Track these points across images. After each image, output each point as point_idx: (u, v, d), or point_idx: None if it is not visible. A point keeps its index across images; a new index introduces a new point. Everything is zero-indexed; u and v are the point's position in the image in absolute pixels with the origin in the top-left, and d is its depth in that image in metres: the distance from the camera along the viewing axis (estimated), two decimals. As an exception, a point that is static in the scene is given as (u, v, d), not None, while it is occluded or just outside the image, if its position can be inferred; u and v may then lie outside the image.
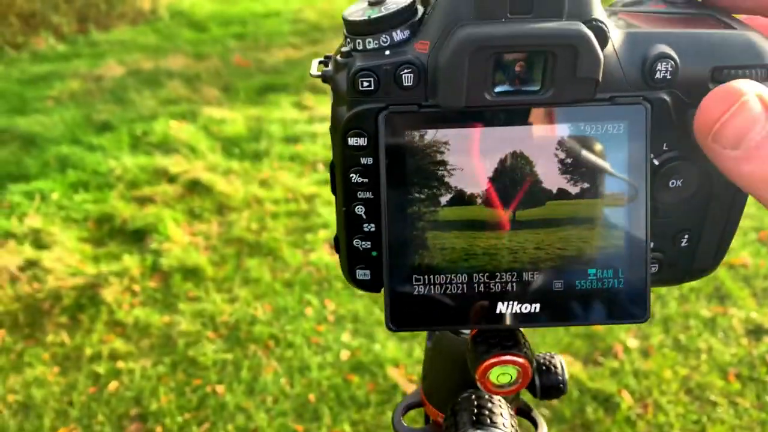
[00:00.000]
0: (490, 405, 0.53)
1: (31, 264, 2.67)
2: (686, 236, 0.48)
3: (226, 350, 2.27)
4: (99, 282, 2.58)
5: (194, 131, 3.83)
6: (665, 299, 2.41)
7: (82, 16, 6.32)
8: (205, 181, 3.24)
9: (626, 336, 2.25)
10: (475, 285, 0.45)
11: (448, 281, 0.45)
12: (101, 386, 2.14)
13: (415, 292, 0.45)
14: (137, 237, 2.89)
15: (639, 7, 0.50)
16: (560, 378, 0.57)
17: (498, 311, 0.45)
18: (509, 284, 0.45)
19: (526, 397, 0.63)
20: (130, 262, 2.71)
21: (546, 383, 0.57)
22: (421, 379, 0.66)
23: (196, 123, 3.96)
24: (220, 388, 2.12)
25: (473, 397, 0.53)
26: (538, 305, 0.44)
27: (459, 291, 0.45)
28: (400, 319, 0.45)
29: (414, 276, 0.45)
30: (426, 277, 0.44)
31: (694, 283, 2.48)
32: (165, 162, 3.45)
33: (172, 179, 3.32)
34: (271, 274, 2.63)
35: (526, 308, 0.45)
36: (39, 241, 2.81)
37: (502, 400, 0.53)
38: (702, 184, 0.46)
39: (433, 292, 0.45)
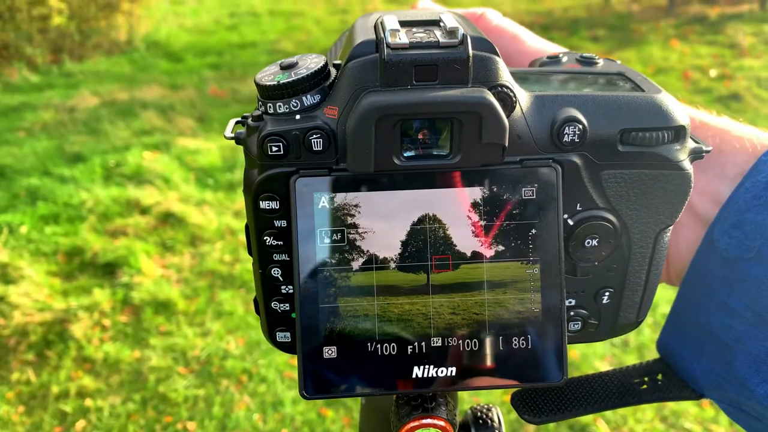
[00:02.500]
0: None
1: (-3, 300, 2.61)
2: (607, 293, 0.48)
3: (197, 386, 2.23)
4: (68, 317, 2.53)
5: (168, 162, 3.80)
6: (640, 327, 2.42)
7: (56, 47, 6.29)
8: (178, 212, 3.21)
9: (601, 364, 2.25)
10: (391, 351, 0.44)
11: (362, 348, 0.44)
12: (68, 425, 2.08)
13: (329, 359, 0.44)
14: (108, 270, 2.84)
15: (555, 67, 0.51)
16: (496, 431, 0.56)
17: (414, 375, 0.44)
18: (425, 349, 0.44)
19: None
20: (101, 296, 2.66)
21: None
22: None
23: (170, 153, 3.94)
24: (191, 425, 2.07)
25: None
26: (454, 369, 0.44)
27: (374, 358, 0.44)
28: (314, 386, 0.44)
29: (327, 342, 0.44)
30: (339, 343, 0.44)
31: (666, 310, 2.49)
32: (138, 193, 3.41)
33: (144, 211, 3.28)
34: (243, 307, 2.60)
35: (442, 372, 0.44)
36: (6, 276, 2.75)
37: None
38: (620, 242, 0.47)
39: (347, 359, 0.44)
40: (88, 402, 2.17)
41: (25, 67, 5.80)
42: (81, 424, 2.09)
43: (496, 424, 0.55)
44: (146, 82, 5.45)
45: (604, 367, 2.23)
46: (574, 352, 2.30)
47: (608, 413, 2.03)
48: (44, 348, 2.40)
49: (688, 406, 2.05)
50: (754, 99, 4.57)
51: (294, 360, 2.32)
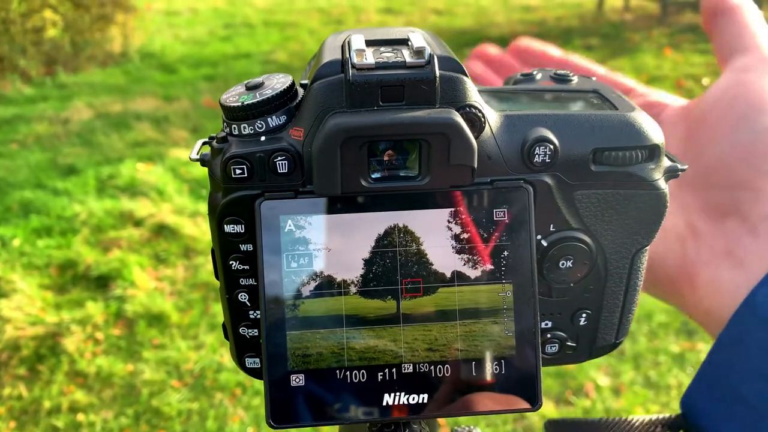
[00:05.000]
0: None
1: (-12, 314, 2.58)
2: (584, 315, 0.47)
3: (191, 399, 2.21)
4: (60, 331, 2.51)
5: (162, 173, 3.80)
6: (635, 336, 2.42)
7: (50, 59, 6.29)
8: (172, 224, 3.20)
9: (597, 374, 2.24)
10: (361, 378, 0.43)
11: (330, 376, 0.43)
12: (60, 441, 2.06)
13: (297, 387, 0.42)
14: (101, 283, 2.83)
15: (529, 85, 0.51)
16: None
17: (385, 403, 0.43)
18: (396, 376, 0.43)
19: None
20: (94, 309, 2.64)
21: None
22: None
23: (164, 165, 3.93)
24: (184, 440, 2.05)
25: None
26: (426, 396, 0.43)
27: (343, 385, 0.43)
28: (281, 415, 0.43)
29: (294, 370, 0.42)
30: (307, 371, 0.42)
31: (662, 318, 2.49)
32: (131, 205, 3.40)
33: (138, 223, 3.27)
34: (238, 319, 2.58)
35: (414, 399, 0.43)
36: (-2, 290, 2.73)
37: None
38: (595, 263, 0.46)
39: (315, 387, 0.43)
40: (81, 417, 2.15)
41: (18, 79, 5.79)
42: (73, 439, 2.07)
43: None
44: (140, 94, 5.45)
45: (599, 377, 2.23)
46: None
47: None
48: (36, 362, 2.38)
49: (685, 416, 2.04)
50: (746, 107, 4.59)
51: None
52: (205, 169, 0.47)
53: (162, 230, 3.19)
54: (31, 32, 6.24)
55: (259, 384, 2.24)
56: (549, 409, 2.09)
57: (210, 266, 2.89)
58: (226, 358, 2.38)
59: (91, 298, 2.72)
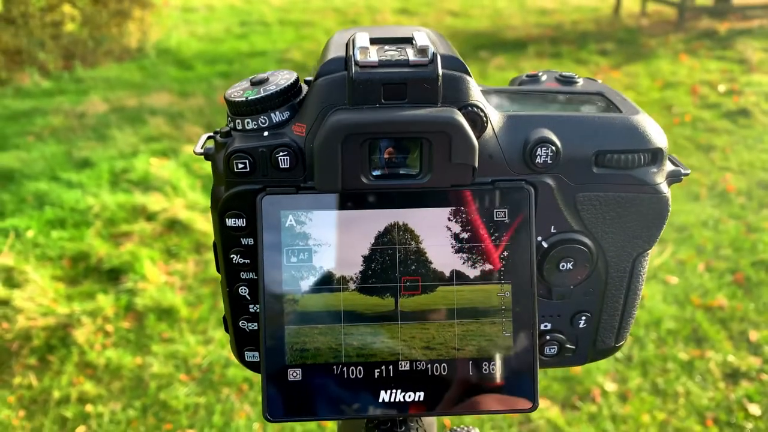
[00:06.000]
0: None
1: (0, 303, 2.61)
2: (584, 318, 0.47)
3: (198, 393, 2.22)
4: (71, 322, 2.53)
5: (175, 169, 3.82)
6: (644, 342, 2.40)
7: (68, 53, 6.34)
8: (184, 219, 3.22)
9: (604, 379, 2.23)
10: (357, 375, 0.43)
11: (327, 371, 0.43)
12: (68, 431, 2.08)
13: (294, 382, 0.43)
14: (113, 276, 2.85)
15: (534, 86, 0.51)
16: None
17: (381, 400, 0.43)
18: (393, 373, 0.43)
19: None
20: (104, 301, 2.66)
21: None
22: None
23: (178, 160, 3.95)
24: (190, 433, 2.07)
25: None
26: (422, 394, 0.43)
27: (340, 381, 0.43)
28: (278, 409, 0.43)
29: (292, 364, 0.43)
30: (304, 366, 0.43)
31: (671, 325, 2.48)
32: (144, 200, 3.43)
33: (150, 217, 3.29)
34: (247, 315, 2.59)
35: (410, 397, 0.43)
36: (11, 280, 2.76)
37: None
38: (595, 266, 0.46)
39: (312, 381, 0.43)
40: (89, 408, 2.17)
41: (36, 72, 5.85)
42: (81, 429, 2.08)
43: None
44: (156, 89, 5.49)
45: (606, 382, 2.22)
46: (577, 367, 2.28)
47: (610, 429, 2.02)
48: (47, 353, 2.40)
49: (692, 424, 2.03)
50: (762, 115, 4.55)
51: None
52: None
53: (174, 225, 3.21)
54: (49, 26, 6.30)
55: (266, 380, 2.25)
56: (555, 413, 2.08)
57: (220, 262, 2.91)
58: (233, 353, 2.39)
59: (102, 291, 2.74)
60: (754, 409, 2.08)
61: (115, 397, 2.22)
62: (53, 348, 2.42)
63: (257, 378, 2.24)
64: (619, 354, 2.35)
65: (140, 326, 2.55)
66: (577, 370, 2.26)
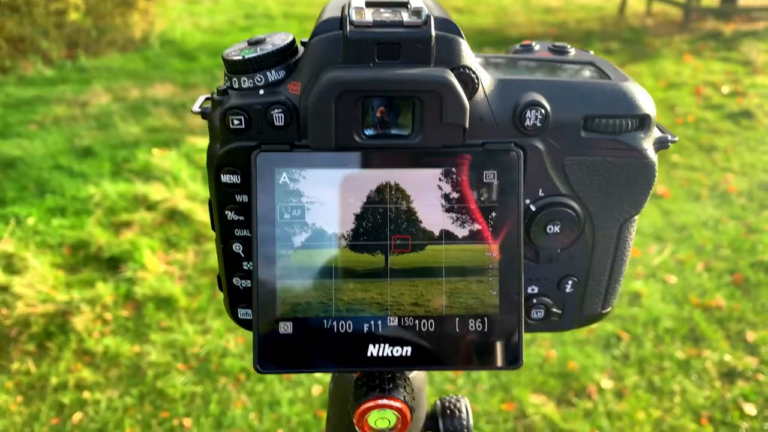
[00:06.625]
0: None
1: (0, 289, 2.62)
2: (570, 282, 0.48)
3: (195, 382, 2.23)
4: (70, 309, 2.54)
5: (176, 159, 3.82)
6: (641, 340, 2.41)
7: (71, 42, 6.34)
8: (184, 209, 3.22)
9: (601, 376, 2.24)
10: (347, 329, 0.44)
11: (317, 325, 0.44)
12: (65, 417, 2.09)
13: (285, 335, 0.44)
14: (112, 264, 2.86)
15: (527, 54, 0.51)
16: (464, 422, 0.55)
17: (369, 354, 0.44)
18: (381, 328, 0.44)
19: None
20: (103, 289, 2.67)
21: (449, 427, 0.56)
22: (326, 421, 0.64)
23: (179, 151, 3.96)
24: (187, 422, 2.07)
25: None
26: (409, 349, 0.44)
27: (329, 335, 0.44)
28: (267, 361, 0.44)
29: (283, 318, 0.44)
30: (295, 320, 0.44)
31: (668, 324, 2.48)
32: (145, 189, 3.43)
33: (151, 207, 3.30)
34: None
35: (397, 352, 0.44)
36: (11, 266, 2.77)
37: None
38: (582, 230, 0.46)
39: (302, 335, 0.44)
40: (86, 394, 2.18)
41: (40, 61, 5.85)
42: (78, 416, 2.09)
43: (464, 415, 0.55)
44: (159, 80, 5.49)
45: (603, 379, 2.22)
46: (573, 363, 2.29)
47: (605, 425, 2.02)
48: (45, 339, 2.41)
49: (687, 422, 2.04)
50: (765, 117, 4.54)
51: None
52: None
53: (174, 215, 3.22)
54: (53, 15, 6.30)
55: (263, 370, 2.26)
56: (550, 409, 2.09)
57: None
58: (231, 343, 2.40)
59: (101, 279, 2.75)
60: (750, 409, 2.08)
61: (113, 384, 2.23)
62: (52, 335, 2.43)
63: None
64: (616, 351, 2.36)
65: (139, 315, 2.56)
66: (574, 366, 2.27)
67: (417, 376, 0.55)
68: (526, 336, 2.42)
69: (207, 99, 0.48)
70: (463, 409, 0.56)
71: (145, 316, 2.55)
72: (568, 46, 0.52)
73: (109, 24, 6.66)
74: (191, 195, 3.41)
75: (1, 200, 3.35)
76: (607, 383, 2.21)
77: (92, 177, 3.60)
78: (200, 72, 5.78)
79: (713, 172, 3.82)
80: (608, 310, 0.50)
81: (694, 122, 4.54)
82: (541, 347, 2.38)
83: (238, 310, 0.48)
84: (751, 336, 2.41)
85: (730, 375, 2.24)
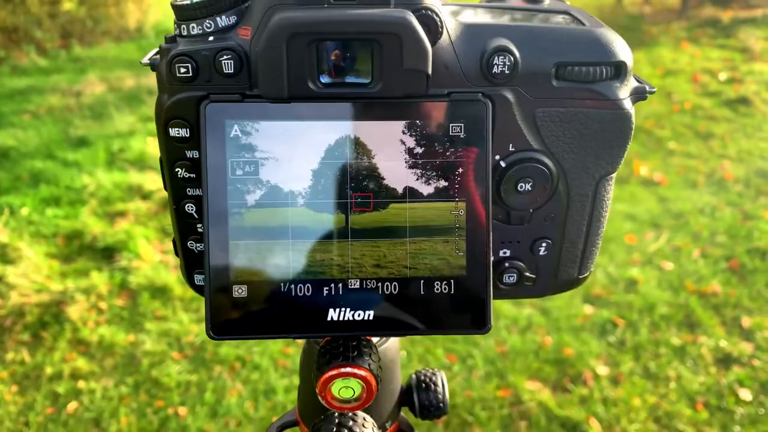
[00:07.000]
0: (351, 423, 0.49)
1: (-6, 279, 2.61)
2: (544, 244, 0.45)
3: (190, 371, 2.23)
4: (64, 299, 2.53)
5: (171, 149, 3.80)
6: (637, 326, 2.41)
7: (65, 32, 6.30)
8: (180, 198, 3.21)
9: (596, 363, 2.23)
10: (306, 292, 0.41)
11: (274, 288, 0.41)
12: (60, 407, 2.09)
13: (239, 299, 0.41)
14: (107, 254, 2.85)
15: (499, 3, 0.49)
16: (440, 396, 0.54)
17: (330, 318, 0.42)
18: (341, 291, 0.42)
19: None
20: (98, 279, 2.66)
21: (424, 401, 0.54)
22: (297, 397, 0.62)
23: (174, 140, 3.94)
24: (182, 410, 2.07)
25: (335, 415, 0.50)
26: (371, 313, 0.42)
27: (287, 298, 0.41)
28: (221, 327, 0.42)
29: (235, 282, 0.41)
30: (250, 282, 0.41)
31: (664, 311, 2.48)
32: (140, 179, 3.41)
33: (145, 196, 3.28)
34: (241, 294, 2.59)
35: (359, 316, 0.42)
36: (5, 256, 2.76)
37: (368, 419, 0.50)
38: (556, 188, 0.44)
39: (257, 299, 0.41)
40: (82, 384, 2.17)
41: (34, 50, 5.81)
42: (73, 405, 2.09)
43: (439, 389, 0.54)
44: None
45: (598, 366, 2.22)
46: (569, 350, 2.28)
47: (601, 412, 2.02)
48: (40, 329, 2.40)
49: (682, 408, 2.04)
50: (762, 103, 4.53)
51: (288, 348, 2.32)
52: None
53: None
54: (47, 4, 6.24)
55: (258, 359, 2.25)
56: (546, 395, 2.09)
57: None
58: (227, 332, 2.40)
59: (96, 269, 2.74)
60: (745, 394, 2.08)
61: (108, 373, 2.22)
62: (46, 324, 2.42)
63: (249, 357, 2.25)
64: (612, 338, 2.35)
65: (134, 304, 2.55)
66: (570, 353, 2.27)
67: (389, 347, 0.53)
68: (521, 321, 2.41)
69: (157, 52, 0.45)
70: (439, 383, 0.55)
71: (140, 305, 2.54)
72: None
73: (103, 13, 6.61)
74: (186, 184, 3.39)
75: (-6, 190, 3.34)
76: (602, 369, 2.21)
77: (87, 167, 3.58)
78: (195, 61, 5.74)
79: (710, 159, 3.81)
80: (585, 275, 0.48)
81: (691, 109, 4.52)
82: (536, 334, 2.37)
83: (195, 275, 0.46)
84: (746, 322, 2.41)
85: (725, 361, 2.24)
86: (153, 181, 3.38)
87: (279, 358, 2.26)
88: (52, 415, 2.05)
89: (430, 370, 0.56)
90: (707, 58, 5.47)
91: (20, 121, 4.27)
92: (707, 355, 2.26)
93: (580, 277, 0.48)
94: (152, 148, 3.79)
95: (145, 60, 0.44)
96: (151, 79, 5.12)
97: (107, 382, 2.18)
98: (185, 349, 2.33)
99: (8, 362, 2.26)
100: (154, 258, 2.81)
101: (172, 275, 2.69)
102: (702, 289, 2.62)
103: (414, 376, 0.56)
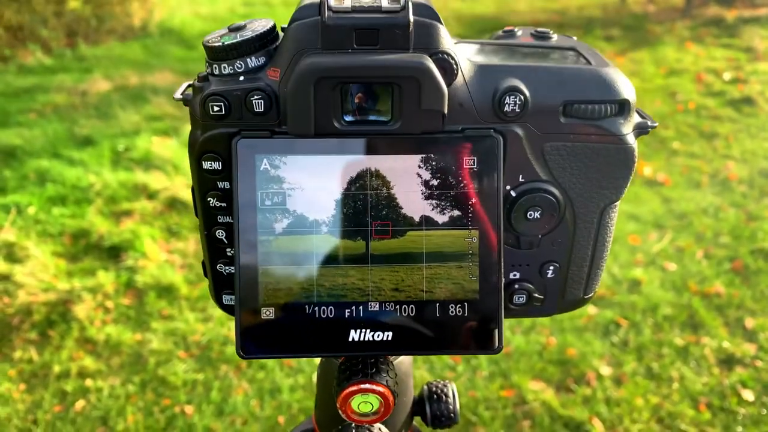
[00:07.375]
0: None
1: (2, 278, 2.63)
2: (552, 267, 0.48)
3: (197, 370, 2.25)
4: (71, 298, 2.55)
5: (177, 148, 3.82)
6: (640, 327, 2.42)
7: (71, 31, 6.32)
8: (185, 198, 3.23)
9: (599, 363, 2.25)
10: (329, 314, 0.44)
11: (299, 310, 0.44)
12: (67, 405, 2.11)
13: (267, 320, 0.44)
14: (113, 253, 2.87)
15: (508, 40, 0.51)
16: (451, 407, 0.56)
17: (351, 339, 0.44)
18: (362, 313, 0.44)
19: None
20: (105, 278, 2.68)
21: (436, 411, 0.57)
22: (314, 407, 0.65)
23: (179, 139, 3.95)
24: (189, 409, 2.09)
25: (352, 426, 0.53)
26: (390, 334, 0.44)
27: (311, 320, 0.44)
28: (251, 346, 0.44)
29: (264, 305, 0.44)
30: (277, 305, 0.44)
31: (667, 311, 2.49)
32: (145, 178, 3.43)
33: (151, 195, 3.30)
34: (246, 294, 2.60)
35: (378, 336, 0.44)
36: (12, 255, 2.78)
37: (384, 430, 0.53)
38: (563, 216, 0.47)
39: (284, 320, 0.44)
40: (89, 382, 2.19)
41: (39, 49, 5.83)
42: (80, 403, 2.11)
43: (450, 400, 0.56)
44: (159, 68, 5.47)
45: (602, 366, 2.23)
46: (572, 350, 2.30)
47: (604, 412, 2.04)
48: (47, 328, 2.43)
49: (685, 408, 2.05)
50: (767, 103, 4.53)
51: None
52: None
53: (175, 203, 3.22)
54: (53, 3, 6.27)
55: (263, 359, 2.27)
56: (549, 395, 2.10)
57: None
58: (232, 331, 2.41)
59: (102, 268, 2.76)
60: (748, 395, 2.09)
61: (115, 372, 2.24)
62: (54, 323, 2.45)
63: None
64: (615, 338, 2.37)
65: (140, 303, 2.57)
66: (573, 353, 2.28)
67: (403, 361, 0.56)
68: (525, 323, 2.43)
69: (189, 86, 0.48)
70: (450, 394, 0.57)
71: (147, 304, 2.56)
72: (551, 32, 0.52)
73: (108, 12, 6.63)
74: (191, 183, 3.41)
75: (1, 189, 3.36)
76: (605, 370, 2.22)
77: (92, 166, 3.60)
78: (200, 60, 5.75)
79: (714, 160, 3.81)
80: (590, 295, 0.51)
81: (695, 109, 4.53)
82: (540, 334, 2.39)
83: (223, 296, 0.48)
84: (749, 323, 2.42)
85: (728, 362, 2.25)
86: (158, 181, 3.39)
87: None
88: (60, 413, 2.07)
89: (442, 382, 0.58)
90: (711, 58, 5.47)
91: (26, 120, 4.30)
92: (710, 355, 2.27)
93: (586, 297, 0.50)
94: (157, 147, 3.81)
95: (178, 95, 0.47)
96: (156, 79, 5.14)
97: (114, 380, 2.20)
98: (191, 348, 2.34)
99: (16, 360, 2.28)
100: (159, 257, 2.83)
101: (178, 275, 2.71)
102: (705, 289, 2.63)
103: (426, 387, 0.58)
